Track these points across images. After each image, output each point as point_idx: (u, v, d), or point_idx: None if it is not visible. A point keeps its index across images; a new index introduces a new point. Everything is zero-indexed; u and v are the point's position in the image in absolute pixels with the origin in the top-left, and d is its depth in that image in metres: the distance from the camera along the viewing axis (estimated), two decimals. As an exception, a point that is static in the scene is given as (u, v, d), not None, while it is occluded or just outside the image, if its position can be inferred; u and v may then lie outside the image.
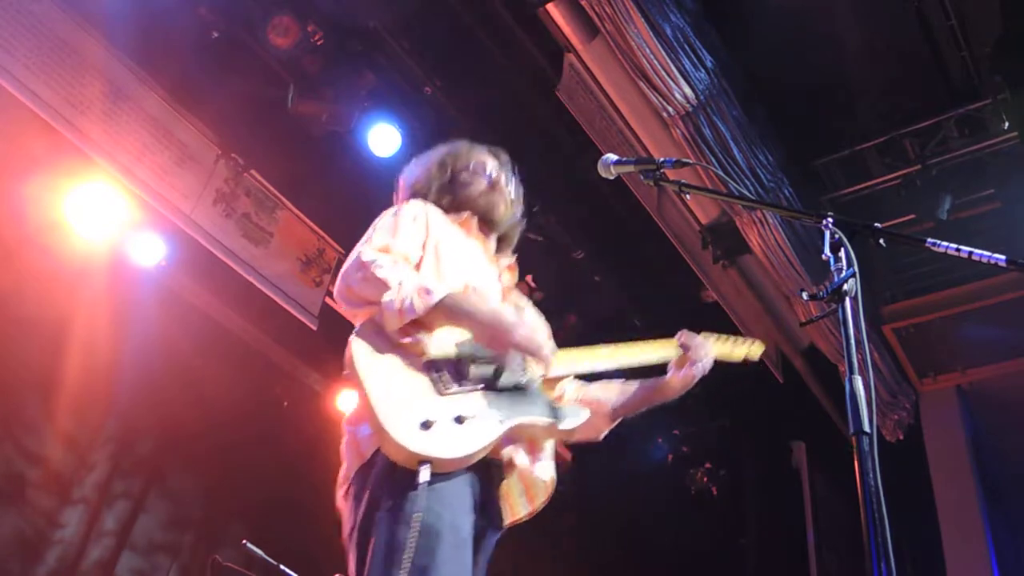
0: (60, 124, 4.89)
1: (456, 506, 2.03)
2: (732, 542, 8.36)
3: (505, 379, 2.19)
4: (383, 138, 5.56)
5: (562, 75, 5.56)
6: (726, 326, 7.09)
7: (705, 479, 8.44)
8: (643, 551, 8.00)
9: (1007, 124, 5.85)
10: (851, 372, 1.73)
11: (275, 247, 6.06)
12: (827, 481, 8.69)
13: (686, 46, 5.19)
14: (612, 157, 2.56)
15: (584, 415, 2.33)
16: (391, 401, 1.99)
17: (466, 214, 2.61)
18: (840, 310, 1.86)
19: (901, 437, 7.87)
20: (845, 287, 1.86)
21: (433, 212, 2.50)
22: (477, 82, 5.74)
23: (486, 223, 2.65)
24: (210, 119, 5.64)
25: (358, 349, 2.08)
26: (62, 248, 5.38)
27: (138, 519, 6.29)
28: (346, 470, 2.19)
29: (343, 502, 2.17)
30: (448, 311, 2.12)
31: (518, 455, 2.23)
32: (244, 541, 4.50)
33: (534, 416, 2.18)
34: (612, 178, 2.62)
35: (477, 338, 2.16)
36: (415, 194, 2.68)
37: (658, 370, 2.62)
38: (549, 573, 7.85)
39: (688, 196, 2.48)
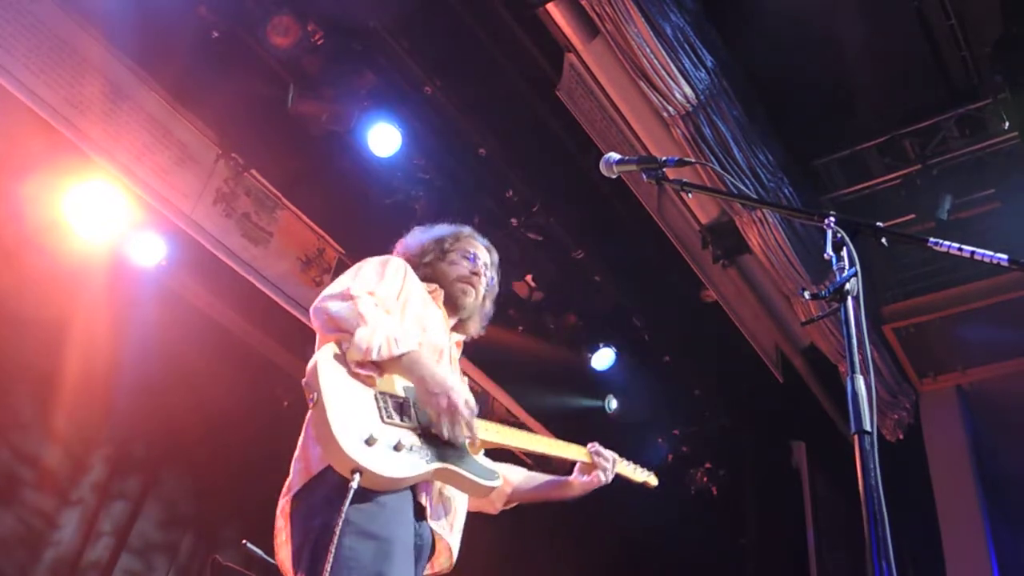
0: (59, 123, 4.89)
1: (403, 521, 2.23)
2: (732, 542, 8.36)
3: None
4: (383, 138, 5.55)
5: (562, 75, 5.55)
6: (726, 326, 7.09)
7: (705, 479, 8.44)
8: (643, 551, 8.00)
9: (1007, 124, 5.85)
10: (852, 371, 1.73)
11: (275, 247, 6.05)
12: (827, 481, 8.69)
13: (686, 46, 5.18)
14: (615, 156, 2.57)
15: (499, 481, 2.47)
16: (342, 411, 2.18)
17: (435, 286, 2.83)
18: (842, 309, 1.85)
19: (901, 437, 7.88)
20: (847, 286, 1.85)
21: (411, 273, 2.73)
22: (477, 82, 5.74)
23: (451, 302, 2.84)
24: (210, 119, 5.64)
25: (322, 361, 2.27)
26: (61, 248, 5.37)
27: (137, 519, 6.28)
28: (289, 484, 2.34)
29: (284, 515, 2.33)
30: (405, 365, 2.32)
31: (423, 498, 2.37)
32: (244, 541, 4.49)
33: (459, 467, 2.34)
34: (614, 177, 2.63)
35: (418, 394, 2.33)
36: (407, 255, 2.91)
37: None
38: (549, 573, 7.85)
39: (690, 195, 2.48)
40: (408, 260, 2.87)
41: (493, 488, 2.44)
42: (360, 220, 6.09)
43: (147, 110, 5.37)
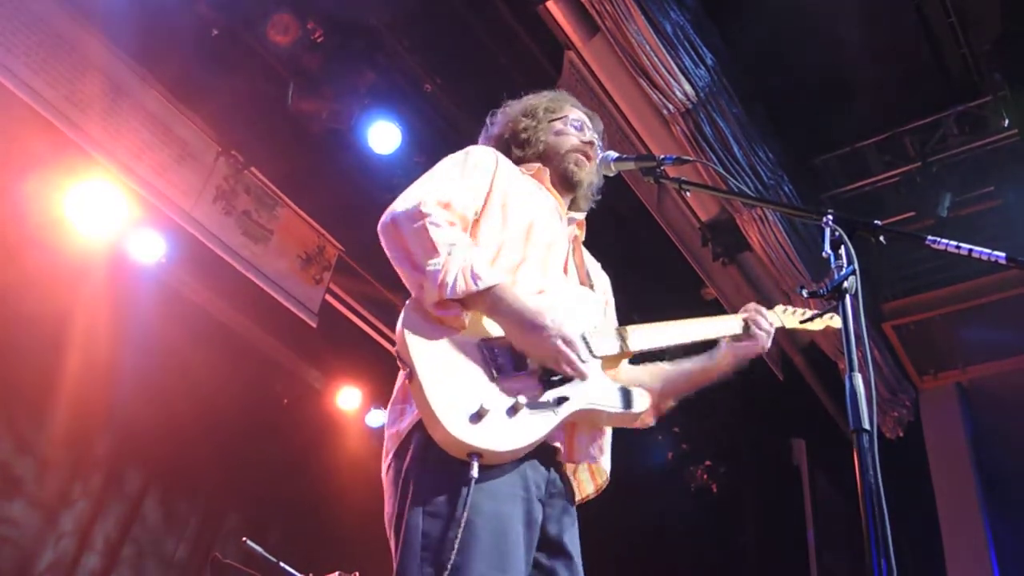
0: (60, 122, 4.89)
1: (500, 493, 1.91)
2: (732, 540, 8.37)
3: None
4: (383, 135, 5.56)
5: (562, 72, 5.55)
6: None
7: (705, 477, 8.45)
8: (642, 549, 8.00)
9: (1007, 121, 5.85)
10: (851, 369, 1.73)
11: (275, 244, 6.06)
12: (827, 478, 8.70)
13: (686, 43, 5.18)
14: (612, 154, 2.56)
15: (646, 403, 2.17)
16: (443, 386, 1.88)
17: (537, 166, 2.48)
18: (840, 307, 1.86)
19: (901, 434, 7.87)
20: (845, 284, 1.86)
21: (504, 162, 2.37)
22: (477, 79, 5.74)
23: (563, 180, 2.51)
24: (210, 116, 5.65)
25: (409, 324, 1.95)
26: (62, 245, 5.39)
27: (137, 516, 6.30)
28: (386, 449, 2.08)
29: (384, 480, 2.07)
30: (489, 303, 1.97)
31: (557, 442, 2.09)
32: (244, 539, 4.50)
33: (594, 402, 2.06)
34: (612, 175, 2.62)
35: (511, 338, 2.00)
36: (498, 136, 2.59)
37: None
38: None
39: (688, 193, 2.48)
40: (500, 141, 2.56)
41: (640, 414, 2.15)
42: (360, 218, 6.04)
43: (147, 108, 5.38)
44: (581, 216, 2.58)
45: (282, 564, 4.46)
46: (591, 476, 2.25)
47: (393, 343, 7.35)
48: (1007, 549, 7.36)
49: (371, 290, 6.88)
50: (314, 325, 6.31)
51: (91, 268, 5.59)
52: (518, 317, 1.97)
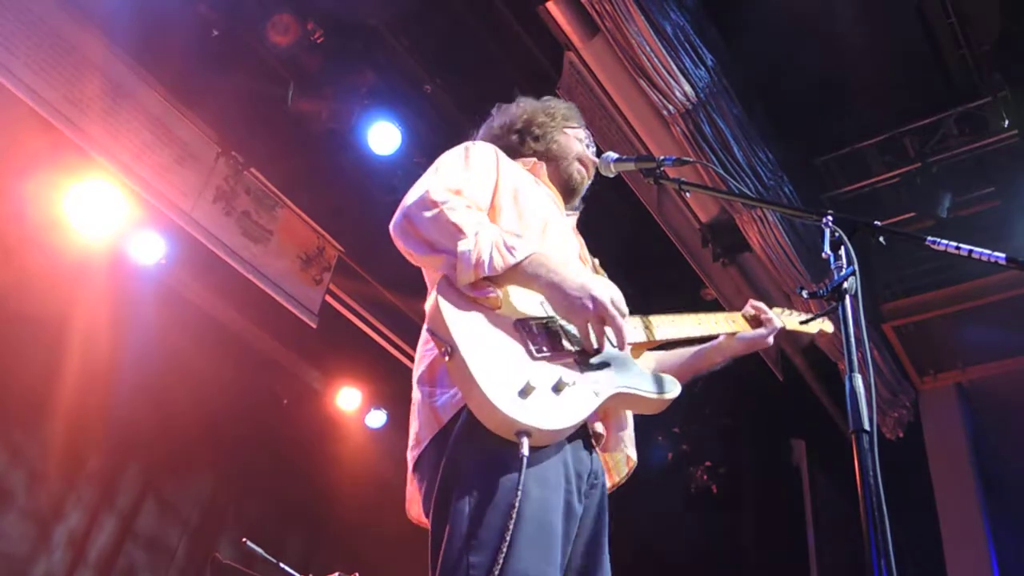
0: (60, 122, 4.89)
1: (547, 479, 1.84)
2: (732, 541, 8.36)
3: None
4: (383, 136, 5.56)
5: (562, 73, 5.55)
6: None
7: (705, 477, 8.44)
8: (642, 550, 7.99)
9: (1007, 122, 5.85)
10: (851, 370, 1.73)
11: (275, 245, 6.06)
12: (827, 479, 8.69)
13: (686, 44, 5.18)
14: (612, 155, 2.57)
15: (678, 388, 2.13)
16: (487, 362, 1.80)
17: (532, 161, 2.50)
18: (840, 308, 1.86)
19: (901, 435, 7.88)
20: (845, 285, 1.86)
21: (504, 157, 2.35)
22: (477, 80, 5.74)
23: (564, 182, 2.54)
24: (210, 117, 5.64)
25: (446, 304, 1.87)
26: (62, 246, 5.38)
27: (137, 516, 6.29)
28: (417, 435, 2.01)
29: (413, 471, 2.02)
30: (529, 272, 1.92)
31: (599, 426, 2.12)
32: (244, 540, 4.50)
33: (630, 386, 2.02)
34: (612, 176, 2.62)
35: (554, 305, 1.95)
36: (504, 127, 2.61)
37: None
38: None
39: (688, 194, 2.48)
40: (508, 129, 2.59)
41: (671, 400, 2.10)
42: (360, 218, 6.09)
43: (147, 108, 5.37)
44: (575, 216, 2.62)
45: (282, 564, 4.47)
46: (607, 472, 2.24)
47: (393, 344, 7.39)
48: (1007, 549, 7.36)
49: (371, 290, 6.88)
50: (314, 326, 6.31)
51: (91, 268, 5.58)
52: (561, 281, 1.92)
